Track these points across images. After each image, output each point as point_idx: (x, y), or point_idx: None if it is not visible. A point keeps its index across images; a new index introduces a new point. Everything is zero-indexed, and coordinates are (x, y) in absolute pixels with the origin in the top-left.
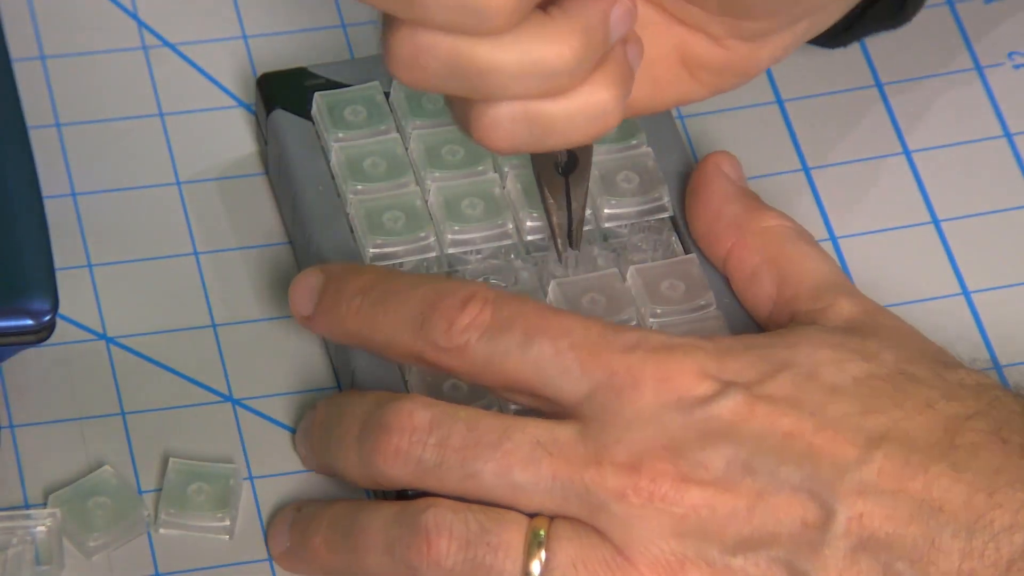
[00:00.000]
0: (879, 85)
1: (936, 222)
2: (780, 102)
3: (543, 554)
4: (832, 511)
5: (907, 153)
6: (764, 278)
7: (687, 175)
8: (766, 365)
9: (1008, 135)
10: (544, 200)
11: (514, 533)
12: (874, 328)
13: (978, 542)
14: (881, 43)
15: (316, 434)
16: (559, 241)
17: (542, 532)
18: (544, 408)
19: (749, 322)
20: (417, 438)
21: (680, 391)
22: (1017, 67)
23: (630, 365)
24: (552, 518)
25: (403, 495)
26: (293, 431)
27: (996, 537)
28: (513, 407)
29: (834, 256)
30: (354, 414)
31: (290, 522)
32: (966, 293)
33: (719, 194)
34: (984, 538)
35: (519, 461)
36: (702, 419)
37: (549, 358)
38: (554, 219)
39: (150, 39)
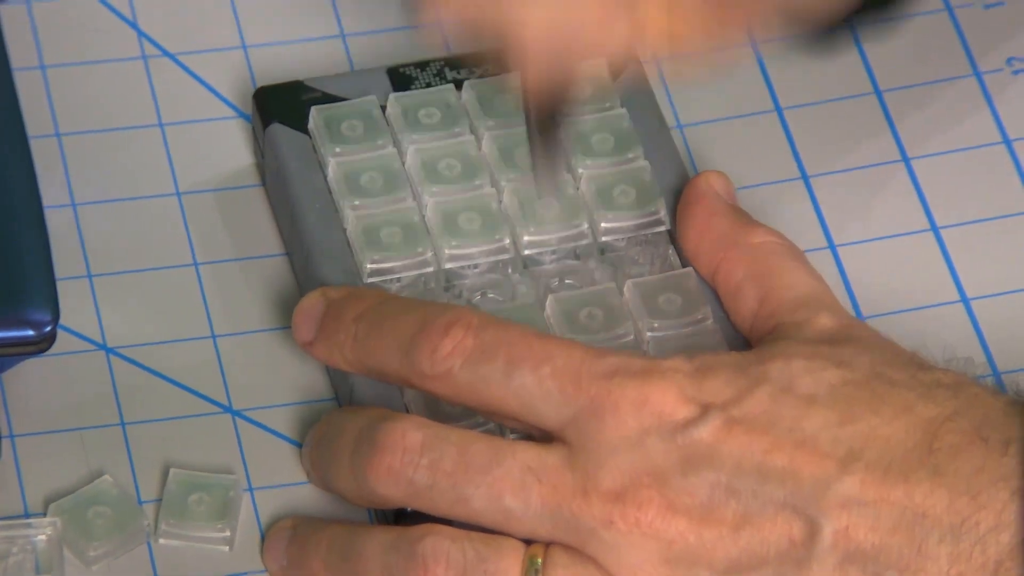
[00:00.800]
0: (878, 92)
1: (935, 229)
2: (779, 110)
3: None
4: (817, 526)
5: (906, 160)
6: (748, 292)
7: (684, 188)
8: (742, 381)
9: (1007, 141)
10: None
11: (510, 561)
12: (847, 337)
13: (965, 545)
14: (879, 50)
15: (315, 450)
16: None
17: (539, 560)
18: (532, 432)
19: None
20: (409, 459)
21: (660, 416)
22: (1016, 73)
23: (610, 391)
24: (548, 545)
25: (402, 514)
26: (293, 442)
27: (983, 539)
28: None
29: (833, 265)
30: (349, 431)
31: (287, 540)
32: (965, 300)
33: (708, 210)
34: (970, 541)
35: (509, 487)
36: (683, 444)
37: (531, 386)
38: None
39: (150, 49)
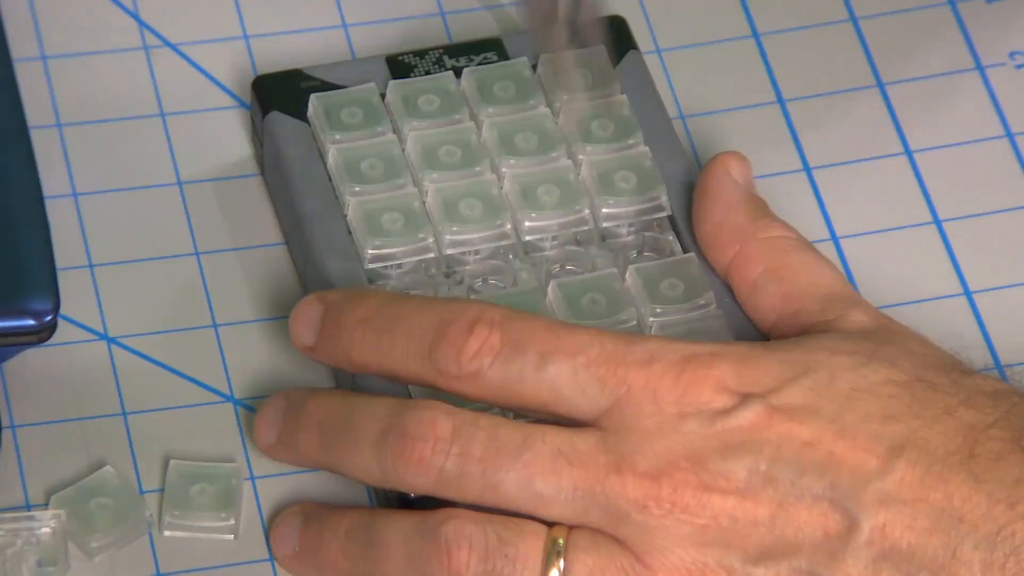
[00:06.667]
0: (880, 85)
1: (938, 222)
2: (781, 102)
3: (561, 563)
4: (855, 521)
5: (908, 153)
6: (767, 288)
7: (685, 174)
8: (784, 372)
9: (1010, 135)
10: None
11: (532, 544)
12: (889, 335)
13: (999, 554)
14: (883, 43)
15: (314, 432)
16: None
17: (560, 541)
18: (562, 420)
19: (749, 321)
20: (440, 447)
21: (699, 404)
22: (1019, 67)
23: (648, 379)
24: (571, 528)
25: (406, 499)
26: None
27: (1017, 550)
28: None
29: (836, 257)
30: (370, 418)
31: (299, 525)
32: (967, 293)
33: (724, 200)
34: (1005, 550)
35: (540, 471)
36: (722, 430)
37: (567, 378)
38: None
39: (151, 39)
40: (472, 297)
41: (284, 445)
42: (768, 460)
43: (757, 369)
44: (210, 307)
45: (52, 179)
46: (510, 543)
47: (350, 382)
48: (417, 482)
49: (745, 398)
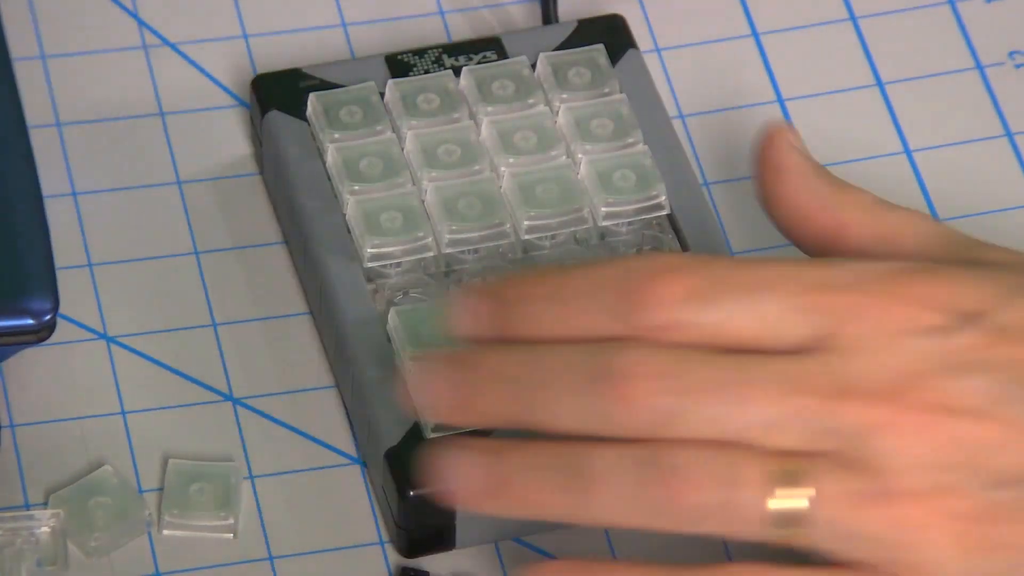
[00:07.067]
0: (880, 84)
1: None
2: (781, 101)
3: (800, 489)
4: None
5: (908, 152)
6: (885, 254)
7: (684, 173)
8: (995, 292)
9: (1009, 134)
10: None
11: (760, 471)
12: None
13: None
14: (882, 42)
15: (504, 388)
16: None
17: (794, 468)
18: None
19: None
20: (655, 385)
21: (919, 323)
22: (1018, 66)
23: (856, 302)
24: (800, 454)
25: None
26: (293, 429)
27: None
28: None
29: None
30: (572, 363)
31: (475, 456)
32: None
33: (798, 173)
34: None
35: (764, 399)
36: (948, 350)
37: (776, 310)
38: None
39: (150, 38)
40: None
41: (459, 408)
42: (1001, 381)
43: (969, 287)
44: (209, 306)
45: (51, 178)
46: (737, 468)
47: (346, 373)
48: (633, 423)
49: (964, 317)
